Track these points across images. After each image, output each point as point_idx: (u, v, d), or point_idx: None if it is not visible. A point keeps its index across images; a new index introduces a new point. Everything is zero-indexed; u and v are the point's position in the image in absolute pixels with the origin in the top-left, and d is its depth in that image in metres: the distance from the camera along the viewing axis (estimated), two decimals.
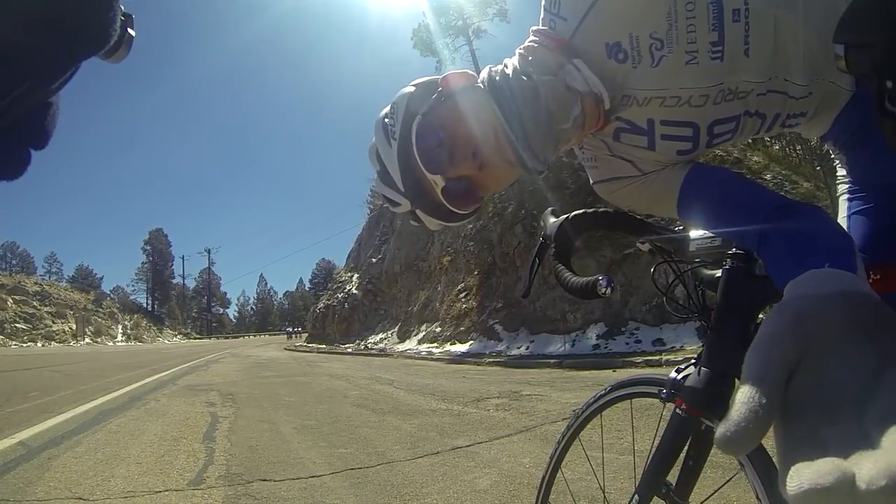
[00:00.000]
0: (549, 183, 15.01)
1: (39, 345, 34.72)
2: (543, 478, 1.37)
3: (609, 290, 0.83)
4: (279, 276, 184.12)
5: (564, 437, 1.35)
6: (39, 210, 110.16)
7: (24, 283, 43.95)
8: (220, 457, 3.66)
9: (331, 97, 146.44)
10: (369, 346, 19.73)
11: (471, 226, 18.18)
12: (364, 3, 76.77)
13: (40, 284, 46.03)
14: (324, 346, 23.76)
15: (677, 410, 0.95)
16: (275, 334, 73.85)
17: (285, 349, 25.19)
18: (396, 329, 19.83)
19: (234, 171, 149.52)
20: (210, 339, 60.44)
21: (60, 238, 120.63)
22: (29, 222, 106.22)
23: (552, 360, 9.24)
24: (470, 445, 3.69)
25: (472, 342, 13.29)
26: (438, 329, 15.55)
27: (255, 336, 70.14)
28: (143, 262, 74.99)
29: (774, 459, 0.40)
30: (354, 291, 25.27)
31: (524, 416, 4.65)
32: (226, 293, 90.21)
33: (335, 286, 28.21)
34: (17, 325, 36.88)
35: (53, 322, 39.86)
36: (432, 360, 12.28)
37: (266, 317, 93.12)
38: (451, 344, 14.03)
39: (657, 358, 7.79)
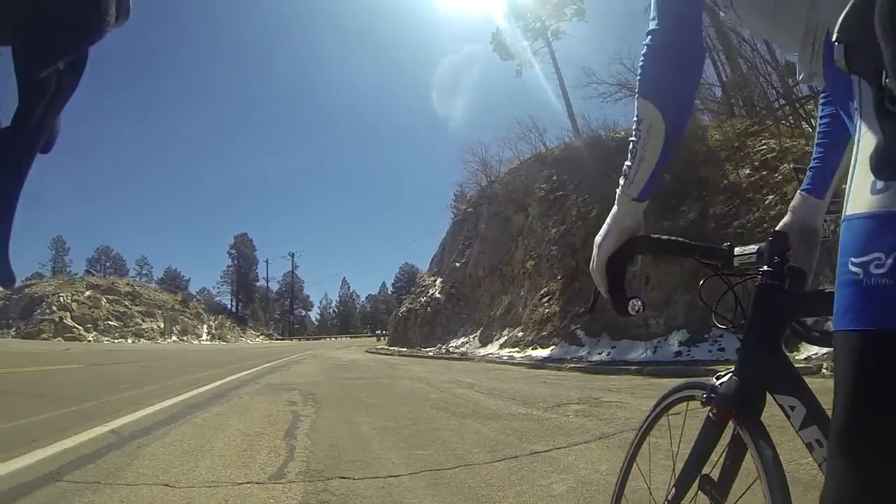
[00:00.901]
0: None
1: (129, 341, 37.56)
2: (617, 482, 1.45)
3: (638, 311, 0.99)
4: (362, 279, 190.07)
5: (635, 440, 1.44)
6: (131, 216, 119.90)
7: (117, 283, 47.36)
8: (300, 453, 3.72)
9: (415, 103, 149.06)
10: (451, 349, 19.91)
11: (554, 229, 18.00)
12: (444, 10, 77.27)
13: (131, 285, 49.34)
14: (405, 349, 24.24)
15: (710, 414, 1.05)
16: (356, 336, 75.64)
17: (367, 351, 25.90)
18: (478, 333, 19.91)
19: (318, 175, 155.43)
20: (291, 340, 62.40)
21: (150, 243, 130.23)
22: (121, 228, 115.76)
23: (633, 367, 8.99)
24: (548, 451, 3.66)
25: (553, 347, 13.13)
26: (520, 333, 15.47)
27: (336, 338, 71.79)
28: (228, 266, 78.23)
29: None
30: (437, 295, 25.61)
31: (603, 422, 4.58)
32: (308, 296, 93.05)
33: (418, 290, 28.75)
34: (110, 322, 40.04)
35: (143, 321, 42.92)
36: (513, 364, 12.23)
37: (348, 319, 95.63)
38: (532, 349, 13.92)
39: None
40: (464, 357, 15.78)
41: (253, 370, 10.96)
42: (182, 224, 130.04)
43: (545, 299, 15.57)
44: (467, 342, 20.22)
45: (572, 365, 10.35)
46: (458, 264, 25.46)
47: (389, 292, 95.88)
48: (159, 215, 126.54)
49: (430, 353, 19.32)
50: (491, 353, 15.36)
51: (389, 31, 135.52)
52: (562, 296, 14.87)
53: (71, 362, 12.46)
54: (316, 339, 69.55)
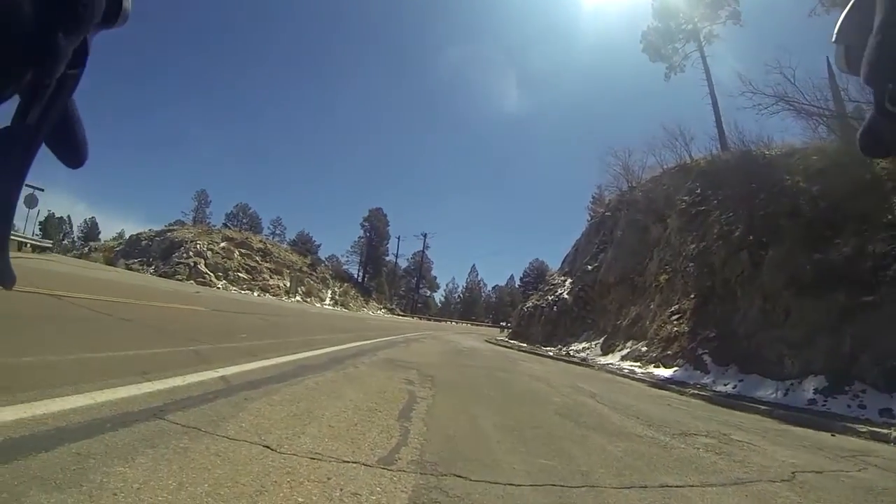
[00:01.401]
0: (784, 209, 13.77)
1: (255, 294, 39.97)
2: None
3: None
4: (491, 269, 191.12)
5: None
6: (272, 178, 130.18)
7: (251, 239, 50.16)
8: (414, 439, 3.53)
9: (561, 100, 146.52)
10: (571, 353, 20.12)
11: (693, 245, 17.44)
12: (593, 9, 74.53)
13: (264, 242, 52.27)
14: (525, 344, 24.74)
15: None
16: (478, 324, 76.35)
17: (486, 341, 26.49)
18: (601, 341, 19.89)
19: (460, 163, 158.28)
20: (413, 317, 63.97)
21: (287, 205, 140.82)
22: (261, 188, 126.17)
23: (762, 407, 8.67)
24: (680, 486, 3.40)
25: (677, 368, 12.96)
26: (644, 348, 15.36)
27: (457, 322, 72.46)
28: (359, 237, 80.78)
29: None
30: (565, 296, 25.79)
31: (737, 465, 4.26)
32: (435, 277, 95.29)
33: (546, 288, 29.07)
34: (240, 274, 42.89)
35: (271, 277, 45.48)
36: (633, 379, 12.30)
37: (471, 306, 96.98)
38: (654, 366, 13.82)
39: (885, 432, 6.84)
40: (584, 363, 16.01)
41: (371, 341, 11.32)
42: (321, 192, 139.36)
43: (675, 317, 15.28)
44: (588, 348, 20.29)
45: (696, 391, 10.25)
46: (589, 267, 25.40)
47: (517, 285, 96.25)
48: (300, 181, 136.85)
49: (550, 353, 19.69)
50: (611, 364, 15.43)
51: (535, 27, 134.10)
52: (693, 316, 14.53)
53: (198, 304, 13.07)
54: (437, 320, 71.05)
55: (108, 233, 77.28)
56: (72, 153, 0.62)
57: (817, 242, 12.14)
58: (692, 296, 15.39)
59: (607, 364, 15.46)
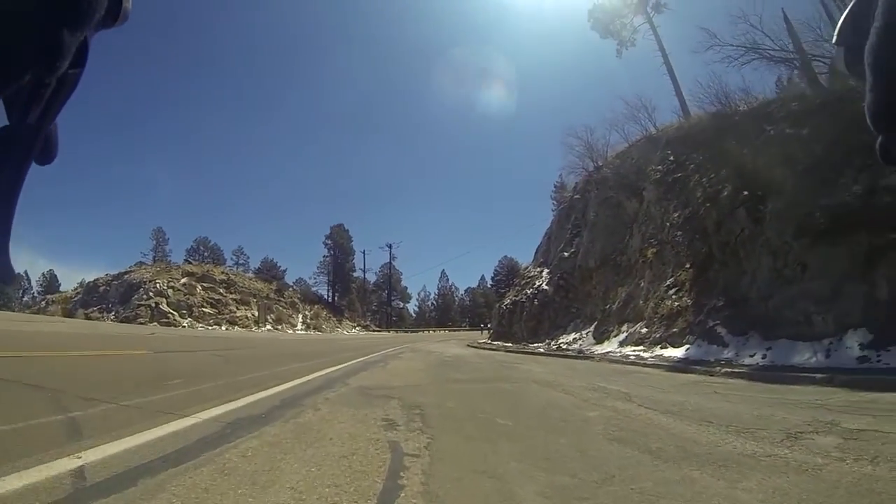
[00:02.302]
0: (776, 159, 12.64)
1: (223, 328, 38.28)
2: None
3: None
4: (461, 272, 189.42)
5: None
6: (229, 208, 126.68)
7: (212, 271, 48.15)
8: None
9: (514, 92, 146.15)
10: (562, 346, 18.65)
11: (676, 213, 16.24)
12: None
13: (226, 273, 50.16)
14: (510, 344, 23.22)
15: None
16: (455, 330, 74.75)
17: (469, 346, 24.87)
18: (592, 329, 18.49)
19: (414, 168, 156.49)
20: (389, 332, 61.69)
21: (248, 234, 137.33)
22: (219, 219, 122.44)
23: (817, 375, 7.23)
24: None
25: (688, 346, 11.57)
26: (644, 330, 13.96)
27: (434, 331, 70.82)
28: (324, 256, 77.86)
29: None
30: (544, 287, 24.37)
31: None
32: (406, 287, 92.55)
33: (523, 282, 27.61)
34: (204, 309, 40.88)
35: (237, 308, 43.54)
36: (645, 365, 10.82)
37: (446, 312, 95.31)
38: (661, 347, 12.41)
39: None
40: (582, 355, 14.49)
41: (343, 365, 9.80)
42: (279, 216, 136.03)
43: (672, 291, 13.94)
44: (580, 338, 18.86)
45: (727, 369, 8.77)
46: (566, 254, 24.09)
47: (489, 285, 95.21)
48: (257, 207, 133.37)
49: (541, 350, 18.16)
50: (612, 352, 13.97)
51: (475, 19, 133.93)
52: (693, 287, 13.21)
53: (140, 348, 11.05)
54: (414, 331, 69.26)
55: (67, 284, 74.52)
56: (44, 150, 0.60)
57: (822, 187, 10.95)
58: (687, 266, 14.10)
59: (608, 353, 14.00)
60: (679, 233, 15.30)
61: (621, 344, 14.78)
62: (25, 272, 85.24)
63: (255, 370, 8.14)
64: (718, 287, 12.39)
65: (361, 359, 12.15)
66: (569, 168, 28.38)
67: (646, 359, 11.54)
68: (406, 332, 66.20)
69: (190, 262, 56.46)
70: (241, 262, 76.84)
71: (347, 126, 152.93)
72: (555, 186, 68.30)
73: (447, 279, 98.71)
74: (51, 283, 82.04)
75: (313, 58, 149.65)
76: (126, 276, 43.60)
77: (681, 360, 10.57)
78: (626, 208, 21.50)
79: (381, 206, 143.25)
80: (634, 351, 13.14)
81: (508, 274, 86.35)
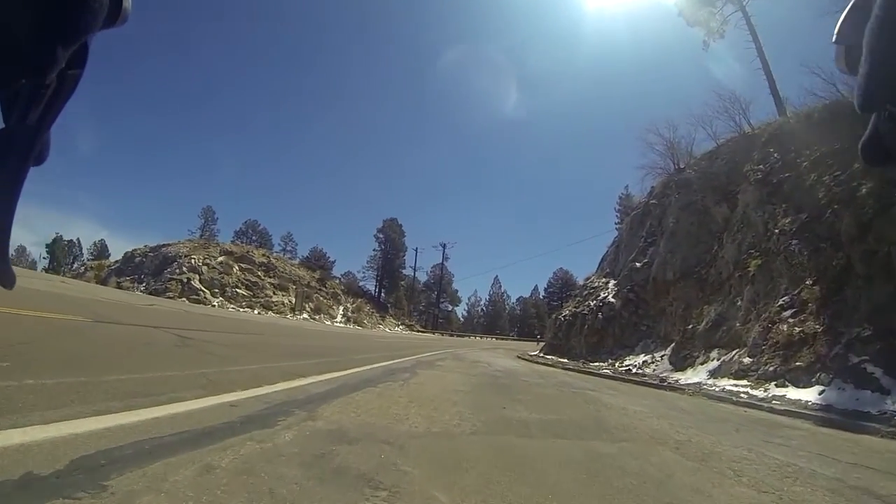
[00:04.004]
0: None
1: (256, 312, 36.45)
2: None
3: None
4: (513, 281, 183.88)
5: None
6: (284, 194, 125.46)
7: (252, 252, 46.12)
8: None
9: (583, 89, 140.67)
10: (631, 368, 15.66)
11: (787, 218, 13.09)
12: None
13: (267, 256, 48.18)
14: (566, 360, 20.27)
15: None
16: (503, 338, 70.98)
17: (518, 357, 22.03)
18: (668, 352, 15.43)
19: (474, 171, 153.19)
20: (434, 333, 58.64)
21: (299, 222, 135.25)
22: (273, 205, 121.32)
23: None
24: None
25: (822, 388, 8.52)
26: (747, 360, 10.89)
27: (481, 337, 67.39)
28: (374, 250, 74.95)
29: None
30: (611, 300, 21.30)
31: None
32: (457, 290, 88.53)
33: (585, 293, 24.54)
34: (238, 290, 39.09)
35: (274, 293, 41.68)
36: (771, 411, 7.83)
37: (496, 320, 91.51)
38: (777, 385, 9.39)
39: None
40: (666, 385, 11.49)
41: (347, 372, 7.04)
42: (333, 207, 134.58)
43: (788, 313, 10.84)
44: (651, 362, 15.83)
45: None
46: (638, 265, 20.96)
47: (541, 297, 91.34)
48: (312, 197, 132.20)
49: (606, 371, 15.17)
50: (704, 384, 10.98)
51: (544, 25, 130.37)
52: (822, 309, 10.09)
53: (89, 315, 8.44)
54: (461, 335, 66.00)
55: (117, 254, 75.51)
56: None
57: None
58: (808, 282, 10.97)
59: (699, 385, 11.01)
60: (794, 241, 12.16)
61: (712, 374, 11.74)
62: (77, 240, 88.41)
63: (193, 367, 5.17)
64: (861, 311, 9.27)
65: (385, 363, 9.51)
66: (647, 168, 25.08)
67: (763, 400, 8.55)
68: (452, 335, 63.17)
69: (234, 243, 55.03)
70: (288, 248, 75.04)
71: (410, 123, 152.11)
72: (620, 197, 65.23)
73: (499, 286, 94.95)
74: (101, 251, 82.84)
75: (380, 53, 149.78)
76: (163, 249, 42.46)
77: (822, 408, 7.57)
78: (713, 215, 18.31)
79: (438, 207, 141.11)
80: (736, 386, 10.13)
81: (563, 287, 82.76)
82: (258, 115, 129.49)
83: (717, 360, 12.25)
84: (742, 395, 9.15)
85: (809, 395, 8.47)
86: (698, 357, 13.29)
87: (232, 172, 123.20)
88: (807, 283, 11.03)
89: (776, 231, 13.21)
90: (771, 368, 9.94)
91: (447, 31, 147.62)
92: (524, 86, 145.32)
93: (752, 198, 15.67)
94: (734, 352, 11.94)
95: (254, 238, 71.29)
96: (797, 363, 9.46)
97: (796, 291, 11.17)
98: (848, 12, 0.65)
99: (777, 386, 9.36)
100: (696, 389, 10.25)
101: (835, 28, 0.68)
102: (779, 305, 11.25)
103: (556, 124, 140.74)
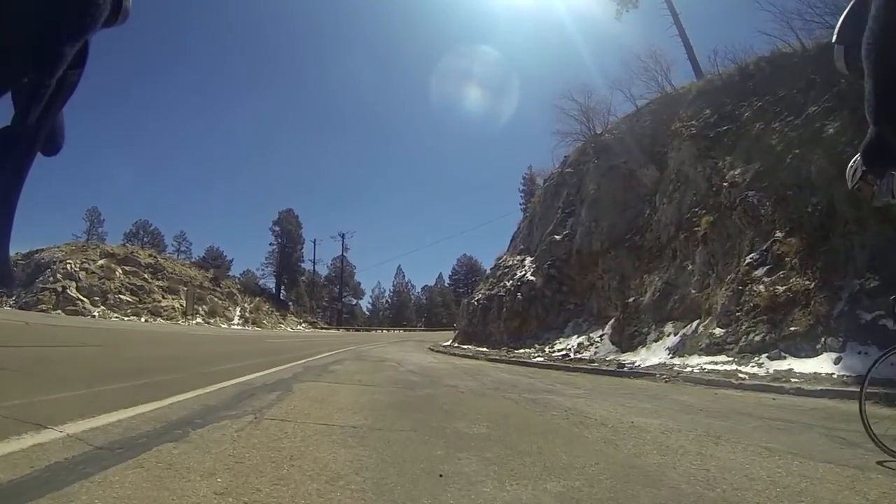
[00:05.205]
0: None
1: (143, 319, 32.42)
2: None
3: None
4: (418, 270, 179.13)
5: None
6: (171, 192, 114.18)
7: (137, 253, 41.11)
8: None
9: (482, 71, 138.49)
10: (568, 353, 13.62)
11: (737, 170, 11.54)
12: None
13: (154, 257, 43.12)
14: (486, 348, 18.02)
15: None
16: (410, 329, 67.98)
17: (431, 349, 19.49)
18: (607, 330, 13.55)
19: (370, 158, 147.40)
20: (339, 329, 54.70)
21: (193, 221, 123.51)
22: (162, 203, 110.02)
23: None
24: None
25: (834, 354, 6.68)
26: (718, 331, 9.01)
27: (388, 330, 64.02)
28: (270, 244, 68.77)
29: None
30: (530, 278, 19.26)
31: None
32: (359, 283, 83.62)
33: (500, 272, 22.43)
34: (122, 296, 34.53)
35: (164, 297, 37.35)
36: (789, 393, 5.80)
37: (402, 311, 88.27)
38: (768, 357, 7.50)
39: None
40: (627, 372, 9.33)
41: (166, 403, 4.07)
42: (228, 205, 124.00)
43: (763, 271, 9.07)
44: (589, 343, 13.88)
45: None
46: (558, 237, 19.06)
47: (447, 284, 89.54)
48: (204, 193, 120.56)
49: (540, 359, 12.92)
50: (672, 364, 8.97)
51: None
52: (808, 261, 8.34)
53: None
54: (367, 330, 62.32)
55: None
56: (49, 140, 0.59)
57: None
58: (780, 234, 9.29)
59: (663, 365, 9.00)
60: (750, 193, 10.54)
61: (674, 352, 9.83)
62: None
63: None
64: (858, 259, 7.58)
65: (248, 377, 6.27)
66: (562, 134, 23.26)
67: (774, 379, 6.53)
68: (358, 330, 59.27)
69: (119, 245, 48.16)
70: (182, 248, 67.16)
71: (305, 115, 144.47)
72: (523, 178, 64.43)
73: (403, 276, 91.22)
74: None
75: (269, 42, 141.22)
76: (36, 256, 36.28)
77: (856, 380, 5.64)
78: (639, 177, 16.75)
79: (335, 198, 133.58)
80: (715, 363, 8.17)
81: (468, 273, 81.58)
82: (148, 110, 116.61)
83: (675, 334, 10.40)
84: (741, 375, 7.11)
85: (822, 365, 6.61)
86: (649, 333, 11.40)
87: (122, 172, 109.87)
88: (776, 235, 9.33)
89: (724, 185, 11.61)
90: (756, 338, 8.05)
91: (334, 14, 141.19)
92: (417, 67, 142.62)
93: (686, 154, 14.14)
94: (695, 323, 10.12)
95: (145, 240, 62.95)
96: (792, 328, 7.61)
97: (765, 246, 9.45)
98: (847, 13, 0.69)
99: (770, 359, 7.47)
100: (669, 373, 8.15)
101: (835, 28, 0.71)
102: (747, 264, 9.48)
103: (452, 106, 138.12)
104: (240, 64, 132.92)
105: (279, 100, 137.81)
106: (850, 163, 1.10)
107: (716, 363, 8.16)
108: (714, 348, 8.76)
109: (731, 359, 8.10)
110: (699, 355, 8.91)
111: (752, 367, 7.41)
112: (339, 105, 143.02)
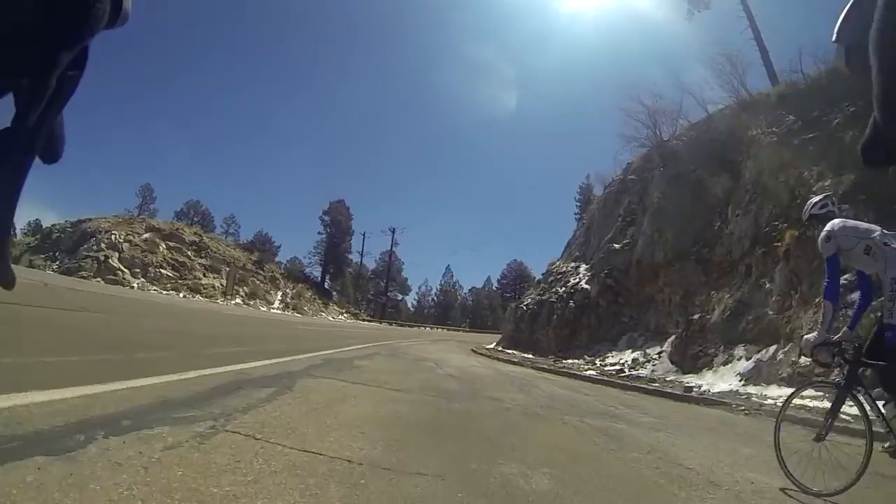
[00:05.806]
0: None
1: (181, 295, 32.39)
2: None
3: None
4: (466, 271, 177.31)
5: None
6: (226, 175, 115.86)
7: (182, 230, 41.58)
8: None
9: (542, 78, 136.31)
10: (622, 368, 12.68)
11: (826, 181, 10.42)
12: None
13: (199, 234, 43.61)
14: (532, 354, 17.22)
15: None
16: (454, 329, 66.79)
17: (473, 351, 18.71)
18: (667, 347, 12.52)
19: (431, 154, 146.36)
20: (381, 323, 53.32)
21: (244, 205, 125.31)
22: (215, 186, 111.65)
23: None
24: None
25: None
26: (805, 360, 7.96)
27: (432, 328, 62.94)
28: (319, 233, 68.76)
29: None
30: (584, 286, 18.31)
31: None
32: (406, 279, 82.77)
33: (552, 279, 21.51)
34: (163, 270, 34.91)
35: (205, 275, 37.59)
36: None
37: (447, 310, 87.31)
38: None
39: None
40: (695, 398, 8.40)
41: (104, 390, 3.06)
42: (283, 191, 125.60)
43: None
44: (644, 360, 12.90)
45: None
46: (617, 246, 18.03)
47: (494, 288, 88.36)
48: (258, 179, 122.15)
49: (592, 373, 12.05)
50: (747, 393, 7.99)
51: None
52: None
53: None
54: (410, 326, 61.50)
55: None
56: (48, 148, 0.58)
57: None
58: None
59: (734, 393, 8.02)
60: (844, 206, 9.38)
61: (746, 379, 8.81)
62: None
63: None
64: None
65: (263, 362, 5.68)
66: (626, 138, 22.05)
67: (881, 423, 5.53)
68: (400, 325, 58.68)
69: (169, 222, 49.31)
70: (231, 231, 67.99)
71: (364, 106, 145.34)
72: (580, 187, 62.81)
73: (451, 276, 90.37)
74: (35, 231, 75.29)
75: (336, 39, 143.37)
76: (83, 224, 37.23)
77: None
78: (709, 187, 15.57)
79: (388, 193, 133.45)
80: (802, 398, 7.15)
81: (517, 278, 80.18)
82: (210, 93, 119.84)
83: (748, 359, 9.35)
84: (844, 417, 6.10)
85: None
86: (716, 355, 10.37)
87: (178, 152, 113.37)
88: None
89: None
90: None
91: (411, 19, 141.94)
92: (485, 70, 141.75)
93: (766, 163, 12.96)
94: (772, 348, 9.06)
95: (195, 219, 64.49)
96: None
97: None
98: (848, 12, 0.63)
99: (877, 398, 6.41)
100: (748, 404, 7.20)
101: (835, 27, 0.66)
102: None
103: (517, 113, 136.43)
104: (303, 52, 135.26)
105: (340, 91, 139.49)
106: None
107: (803, 398, 7.13)
108: (799, 379, 7.72)
109: (820, 393, 7.07)
110: (778, 385, 7.89)
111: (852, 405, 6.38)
112: (398, 101, 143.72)
